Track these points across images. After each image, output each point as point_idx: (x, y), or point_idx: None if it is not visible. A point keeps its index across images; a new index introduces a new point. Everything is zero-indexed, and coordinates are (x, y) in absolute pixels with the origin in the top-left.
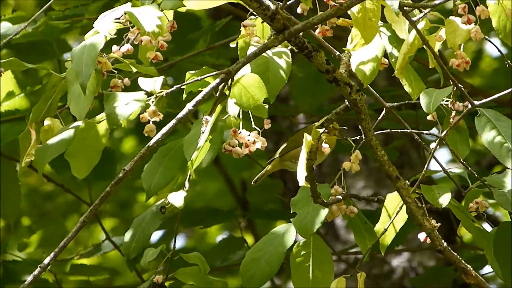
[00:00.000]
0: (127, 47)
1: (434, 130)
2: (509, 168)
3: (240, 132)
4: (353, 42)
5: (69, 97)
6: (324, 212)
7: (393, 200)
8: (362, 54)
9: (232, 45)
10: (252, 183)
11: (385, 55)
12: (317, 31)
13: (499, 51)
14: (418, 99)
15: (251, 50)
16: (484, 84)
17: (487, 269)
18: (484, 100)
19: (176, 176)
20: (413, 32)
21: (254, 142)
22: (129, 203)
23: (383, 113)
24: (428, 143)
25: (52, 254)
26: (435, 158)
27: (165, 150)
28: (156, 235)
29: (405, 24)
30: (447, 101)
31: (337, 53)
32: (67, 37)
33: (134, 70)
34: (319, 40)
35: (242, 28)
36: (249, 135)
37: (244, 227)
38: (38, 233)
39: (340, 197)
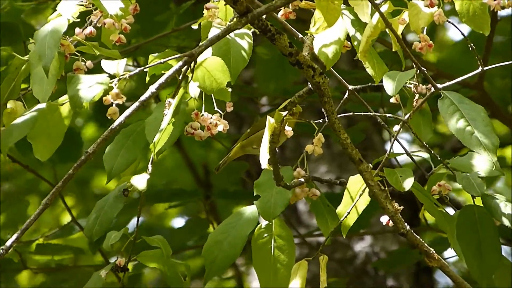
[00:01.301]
0: (89, 29)
1: (399, 113)
2: (472, 151)
3: (202, 114)
4: (316, 25)
5: (32, 80)
6: (287, 195)
7: (355, 183)
8: (325, 36)
9: (194, 27)
10: (214, 170)
11: (348, 38)
12: (280, 13)
13: (462, 34)
14: (382, 81)
15: (213, 32)
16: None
17: (450, 253)
18: (447, 83)
19: (138, 158)
20: (376, 15)
21: (216, 125)
22: (87, 180)
23: (346, 95)
24: (392, 125)
25: (14, 236)
26: (398, 140)
27: (127, 132)
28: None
29: (368, 7)
30: (410, 83)
31: (300, 36)
32: (32, 20)
33: (97, 53)
34: (282, 23)
35: (205, 11)
36: (211, 117)
37: (207, 210)
38: (2, 215)
39: (302, 180)
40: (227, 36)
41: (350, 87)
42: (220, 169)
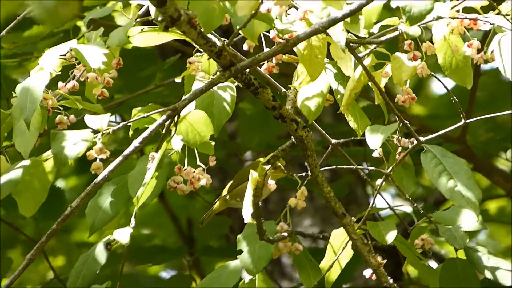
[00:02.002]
0: (72, 83)
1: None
2: (455, 205)
3: (185, 168)
4: (299, 79)
5: (14, 133)
6: (270, 250)
7: (338, 236)
8: (308, 90)
9: (178, 80)
10: (199, 224)
11: (331, 91)
12: (263, 67)
13: (445, 87)
14: (364, 135)
15: (196, 85)
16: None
17: None
18: (430, 136)
19: (121, 211)
20: (359, 68)
21: (199, 179)
22: (70, 229)
23: (329, 149)
24: (376, 180)
25: None
26: (380, 194)
27: (109, 185)
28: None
29: (351, 61)
30: (393, 137)
31: (283, 90)
32: (16, 76)
33: (80, 107)
34: (265, 77)
35: (188, 65)
36: (194, 171)
37: (191, 266)
38: None
39: (285, 234)
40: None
41: (333, 141)
42: (204, 223)
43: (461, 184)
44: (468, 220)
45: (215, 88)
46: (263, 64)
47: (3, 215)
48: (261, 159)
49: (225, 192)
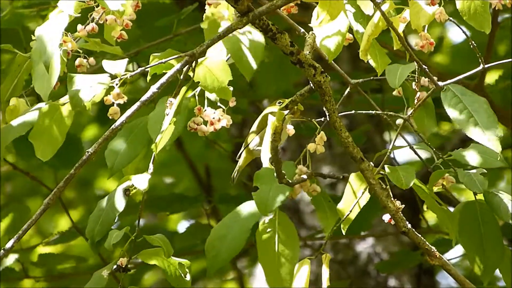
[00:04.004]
0: (91, 26)
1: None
2: (476, 142)
3: (205, 110)
4: (319, 18)
5: (33, 77)
6: (286, 191)
7: (357, 180)
8: (327, 30)
9: (204, 26)
10: (230, 182)
11: (350, 31)
12: (281, 8)
13: (464, 32)
14: (383, 74)
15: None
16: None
17: (451, 254)
18: (448, 81)
19: (140, 153)
20: (378, 13)
21: (219, 120)
22: (89, 181)
23: (348, 89)
24: (394, 128)
25: (15, 237)
26: (401, 135)
27: (130, 128)
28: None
29: (370, 2)
30: (411, 81)
31: (302, 30)
32: (33, 26)
33: (100, 49)
34: (283, 17)
35: (207, 7)
36: (214, 113)
37: (209, 214)
38: (4, 221)
39: (305, 176)
40: (237, 34)
41: (353, 81)
42: (235, 180)
43: (481, 122)
44: (489, 158)
45: (242, 34)
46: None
47: (21, 166)
48: (275, 105)
49: (246, 143)
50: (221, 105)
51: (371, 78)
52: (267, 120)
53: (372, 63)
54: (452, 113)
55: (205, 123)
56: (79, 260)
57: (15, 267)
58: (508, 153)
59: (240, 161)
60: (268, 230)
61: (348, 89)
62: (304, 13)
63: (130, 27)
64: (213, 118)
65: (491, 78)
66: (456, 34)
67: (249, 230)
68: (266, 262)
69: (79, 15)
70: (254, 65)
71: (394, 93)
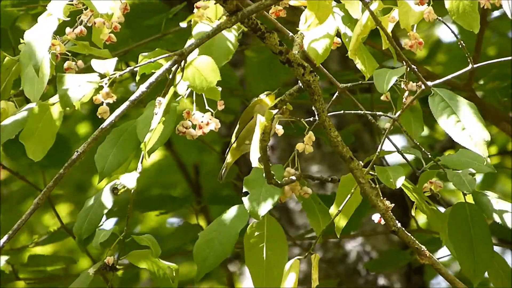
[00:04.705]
0: (80, 29)
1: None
2: (463, 147)
3: (194, 113)
4: (307, 22)
5: (22, 80)
6: (276, 193)
7: (347, 182)
8: (315, 33)
9: (183, 24)
10: (218, 179)
11: (338, 35)
12: (270, 11)
13: (452, 31)
14: (372, 79)
15: (199, 28)
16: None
17: (441, 253)
18: (437, 81)
19: (130, 157)
20: (366, 13)
21: (207, 124)
22: (84, 186)
23: (336, 93)
24: (383, 126)
25: (5, 237)
26: (388, 138)
27: (118, 131)
28: (108, 223)
29: (359, 3)
30: (400, 81)
31: (290, 34)
32: (21, 25)
33: (88, 52)
34: (272, 21)
35: (195, 10)
36: (203, 116)
37: (198, 213)
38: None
39: (294, 177)
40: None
41: (341, 85)
42: (223, 177)
43: (469, 126)
44: (477, 163)
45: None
46: (270, 8)
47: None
48: (262, 97)
49: (233, 139)
50: (210, 109)
51: (360, 82)
52: (251, 112)
53: (360, 66)
54: (440, 118)
55: (194, 126)
56: (69, 261)
57: (5, 269)
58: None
59: (228, 158)
60: (256, 233)
61: (336, 93)
62: (293, 12)
63: (119, 28)
64: (202, 121)
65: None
66: (445, 34)
67: (237, 234)
68: (254, 266)
69: (68, 19)
70: (221, 60)
71: (382, 98)
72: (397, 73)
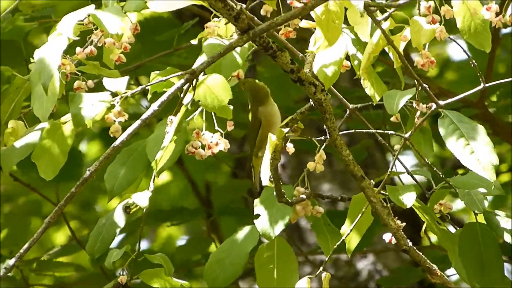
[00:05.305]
0: (90, 49)
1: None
2: (472, 171)
3: (203, 134)
4: (317, 43)
5: (32, 99)
6: (288, 215)
7: (358, 201)
8: (325, 56)
9: (194, 42)
10: (253, 190)
11: (347, 58)
12: (280, 32)
13: (464, 50)
14: (382, 100)
15: (209, 41)
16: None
17: (453, 271)
18: (449, 100)
19: (139, 177)
20: (378, 31)
21: (217, 144)
22: (90, 204)
23: (346, 114)
24: (394, 143)
25: (17, 255)
26: (399, 160)
27: (128, 151)
28: (119, 238)
29: (368, 26)
30: (411, 102)
31: (301, 55)
32: (34, 40)
33: (98, 72)
34: (282, 42)
35: (206, 30)
36: (212, 136)
37: (209, 227)
38: (3, 232)
39: (304, 196)
40: (221, 43)
41: (351, 106)
42: (256, 192)
43: (478, 150)
44: (486, 185)
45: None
46: (281, 29)
47: (26, 180)
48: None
49: (250, 149)
50: (219, 129)
51: (369, 103)
52: (258, 117)
53: (368, 91)
54: (448, 140)
55: (203, 146)
56: (78, 268)
57: (15, 275)
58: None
59: (253, 172)
60: (266, 254)
61: (346, 114)
62: (304, 30)
63: (129, 50)
64: (211, 142)
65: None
66: (456, 51)
67: (247, 254)
68: (265, 286)
69: (78, 38)
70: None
71: (392, 119)
72: (407, 94)
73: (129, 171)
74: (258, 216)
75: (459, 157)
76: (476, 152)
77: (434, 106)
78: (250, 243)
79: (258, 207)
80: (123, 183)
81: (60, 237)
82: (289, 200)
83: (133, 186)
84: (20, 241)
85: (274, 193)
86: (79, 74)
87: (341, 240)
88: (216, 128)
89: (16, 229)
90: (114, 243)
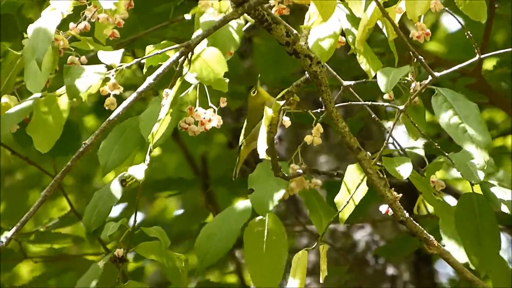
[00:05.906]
0: (83, 24)
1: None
2: (465, 150)
3: (196, 110)
4: (311, 19)
5: (25, 74)
6: (281, 190)
7: (353, 172)
8: (320, 31)
9: (187, 16)
10: (232, 178)
11: (342, 33)
12: (273, 9)
13: (459, 22)
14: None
15: (204, 18)
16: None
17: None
18: (445, 72)
19: (132, 153)
20: (373, 3)
21: (209, 120)
22: (89, 176)
23: (340, 91)
24: (392, 115)
25: (14, 229)
26: (393, 138)
27: (121, 127)
28: (117, 210)
29: (361, 3)
30: (405, 79)
31: (295, 32)
32: (28, 13)
33: (92, 48)
34: (276, 18)
35: (200, 1)
36: (205, 113)
37: (206, 199)
38: (2, 205)
39: (300, 170)
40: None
41: (345, 83)
42: (237, 175)
43: (471, 129)
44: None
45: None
46: (274, 4)
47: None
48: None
49: (241, 138)
50: (212, 105)
51: (364, 80)
52: (259, 111)
53: (364, 67)
54: (442, 118)
55: (196, 123)
56: (77, 240)
57: (13, 248)
58: (508, 140)
59: (239, 157)
60: (257, 230)
61: (340, 91)
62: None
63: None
64: (204, 118)
65: (489, 64)
66: (452, 23)
67: (239, 229)
68: (253, 262)
69: (71, 13)
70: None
71: (385, 96)
72: (401, 72)
73: (122, 147)
74: (252, 191)
75: (452, 135)
76: (469, 131)
77: (429, 77)
78: (242, 218)
79: (252, 182)
80: (116, 159)
81: (61, 211)
82: (286, 175)
83: (128, 160)
84: (20, 214)
85: (270, 167)
86: (72, 49)
87: (336, 214)
88: (210, 104)
89: (16, 203)
90: (114, 213)
